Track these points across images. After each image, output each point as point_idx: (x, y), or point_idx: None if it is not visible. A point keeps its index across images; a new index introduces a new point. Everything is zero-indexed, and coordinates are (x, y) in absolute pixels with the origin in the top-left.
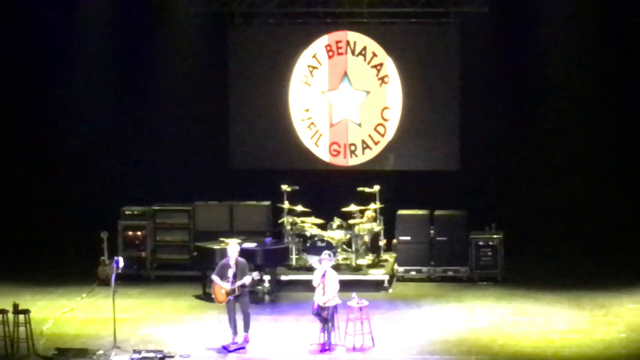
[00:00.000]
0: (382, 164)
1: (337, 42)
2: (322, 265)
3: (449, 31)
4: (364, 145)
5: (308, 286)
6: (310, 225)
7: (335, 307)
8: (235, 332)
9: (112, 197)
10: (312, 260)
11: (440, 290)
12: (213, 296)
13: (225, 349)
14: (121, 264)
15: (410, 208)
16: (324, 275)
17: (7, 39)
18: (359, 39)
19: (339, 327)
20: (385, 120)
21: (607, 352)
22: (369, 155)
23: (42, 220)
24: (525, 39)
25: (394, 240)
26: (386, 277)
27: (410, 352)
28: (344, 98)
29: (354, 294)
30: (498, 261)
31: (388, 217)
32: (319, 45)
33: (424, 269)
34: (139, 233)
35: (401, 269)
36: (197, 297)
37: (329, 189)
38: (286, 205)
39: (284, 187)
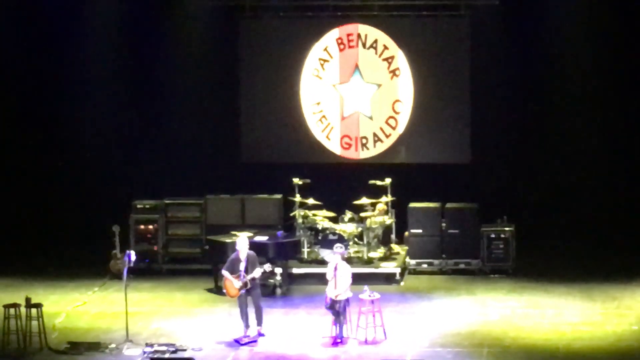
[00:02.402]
0: (394, 156)
1: (348, 35)
2: (332, 258)
3: (459, 24)
4: (376, 138)
5: (320, 279)
6: (321, 218)
7: (347, 300)
8: (247, 325)
9: (123, 191)
10: (324, 253)
11: (451, 283)
12: (224, 291)
13: (237, 342)
14: (133, 257)
15: (421, 201)
16: (336, 269)
17: (18, 28)
18: (370, 32)
19: (351, 320)
20: (397, 113)
21: (619, 345)
22: (381, 148)
23: (54, 214)
24: (536, 31)
25: (406, 233)
26: (398, 270)
27: (422, 344)
28: (355, 91)
29: (365, 287)
30: (509, 254)
31: (399, 210)
32: (330, 38)
33: (436, 261)
34: (150, 227)
35: (413, 261)
36: (209, 290)
37: (341, 182)
38: (298, 198)
39: (296, 180)
